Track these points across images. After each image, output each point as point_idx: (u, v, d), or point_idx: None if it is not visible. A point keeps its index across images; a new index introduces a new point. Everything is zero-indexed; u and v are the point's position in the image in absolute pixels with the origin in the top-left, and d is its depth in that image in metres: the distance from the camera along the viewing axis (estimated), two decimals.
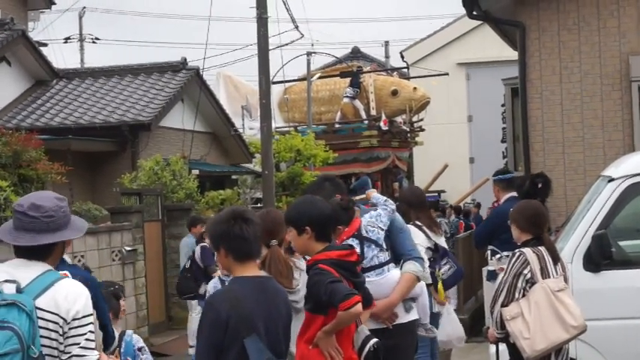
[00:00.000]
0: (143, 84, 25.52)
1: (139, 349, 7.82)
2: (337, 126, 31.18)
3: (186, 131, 24.11)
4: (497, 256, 10.65)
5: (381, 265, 6.28)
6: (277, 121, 29.11)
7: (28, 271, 4.25)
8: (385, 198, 6.59)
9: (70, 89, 25.71)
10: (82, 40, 44.03)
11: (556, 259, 6.80)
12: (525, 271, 6.64)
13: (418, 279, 6.56)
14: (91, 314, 4.29)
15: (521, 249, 6.75)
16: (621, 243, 8.31)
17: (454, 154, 36.31)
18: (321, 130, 29.81)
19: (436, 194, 33.47)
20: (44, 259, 4.34)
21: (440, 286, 8.95)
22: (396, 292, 6.29)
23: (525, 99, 13.94)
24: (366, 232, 6.29)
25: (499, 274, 9.37)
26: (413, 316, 6.51)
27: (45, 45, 29.79)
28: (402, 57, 40.14)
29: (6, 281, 4.18)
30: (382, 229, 6.37)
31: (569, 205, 12.59)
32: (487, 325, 7.69)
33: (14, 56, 24.03)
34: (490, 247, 11.06)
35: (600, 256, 7.81)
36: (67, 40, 43.58)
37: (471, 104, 38.97)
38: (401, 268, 6.48)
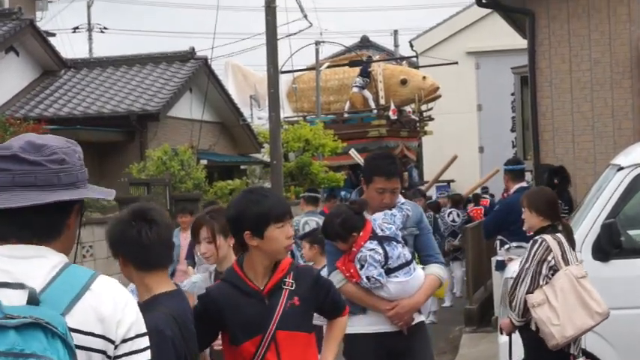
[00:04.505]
0: (151, 74, 25.52)
1: None
2: (346, 115, 31.15)
3: (195, 121, 24.10)
4: (506, 246, 10.62)
5: (408, 263, 5.85)
6: (286, 111, 29.09)
7: (34, 266, 2.56)
8: (403, 200, 6.10)
9: (79, 79, 25.72)
10: (90, 29, 44.01)
11: (573, 244, 6.75)
12: (549, 258, 6.57)
13: (440, 284, 6.26)
14: (147, 334, 2.68)
15: (542, 235, 6.67)
16: (630, 232, 8.24)
17: (463, 144, 36.22)
18: (330, 120, 29.79)
19: (445, 184, 33.40)
20: (51, 240, 2.64)
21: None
22: (422, 293, 5.94)
23: (535, 87, 13.86)
24: (382, 230, 5.82)
25: (508, 264, 9.35)
26: (422, 316, 6.21)
27: (53, 35, 29.80)
28: (412, 46, 40.03)
29: (4, 285, 2.50)
30: (397, 229, 5.89)
31: (579, 194, 12.51)
32: (496, 315, 7.65)
33: (22, 46, 24.01)
34: (499, 237, 11.03)
35: (609, 245, 7.74)
36: (75, 29, 43.57)
37: (480, 93, 38.85)
38: (423, 269, 6.11)
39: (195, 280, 5.83)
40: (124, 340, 2.59)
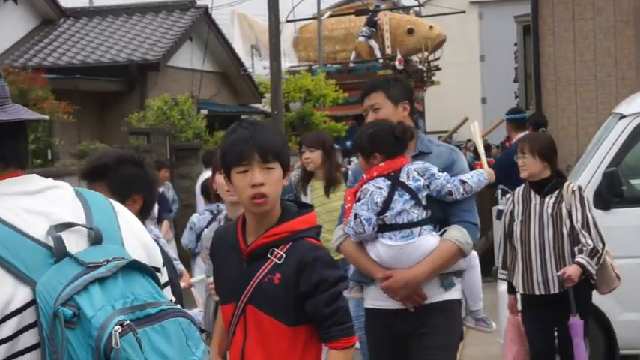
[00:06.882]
0: (151, 23, 25.30)
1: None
2: (352, 65, 31.00)
3: (195, 71, 23.95)
4: (508, 195, 10.54)
5: (411, 225, 4.57)
6: (292, 60, 28.93)
7: (56, 199, 2.01)
8: (465, 180, 4.75)
9: (78, 28, 25.50)
10: None
11: None
12: None
13: (462, 252, 4.69)
14: None
15: (574, 183, 6.69)
16: (632, 181, 8.20)
17: (466, 94, 36.08)
18: (335, 70, 29.65)
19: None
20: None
21: None
22: (424, 262, 4.57)
23: (537, 36, 13.74)
24: (407, 177, 4.62)
25: None
26: (453, 294, 4.78)
27: None
28: None
29: (68, 225, 1.93)
30: (427, 187, 4.63)
31: (581, 143, 12.44)
32: (496, 265, 7.58)
33: None
34: (500, 186, 10.96)
35: (611, 194, 7.69)
36: None
37: (483, 44, 38.64)
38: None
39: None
40: (164, 264, 2.16)
